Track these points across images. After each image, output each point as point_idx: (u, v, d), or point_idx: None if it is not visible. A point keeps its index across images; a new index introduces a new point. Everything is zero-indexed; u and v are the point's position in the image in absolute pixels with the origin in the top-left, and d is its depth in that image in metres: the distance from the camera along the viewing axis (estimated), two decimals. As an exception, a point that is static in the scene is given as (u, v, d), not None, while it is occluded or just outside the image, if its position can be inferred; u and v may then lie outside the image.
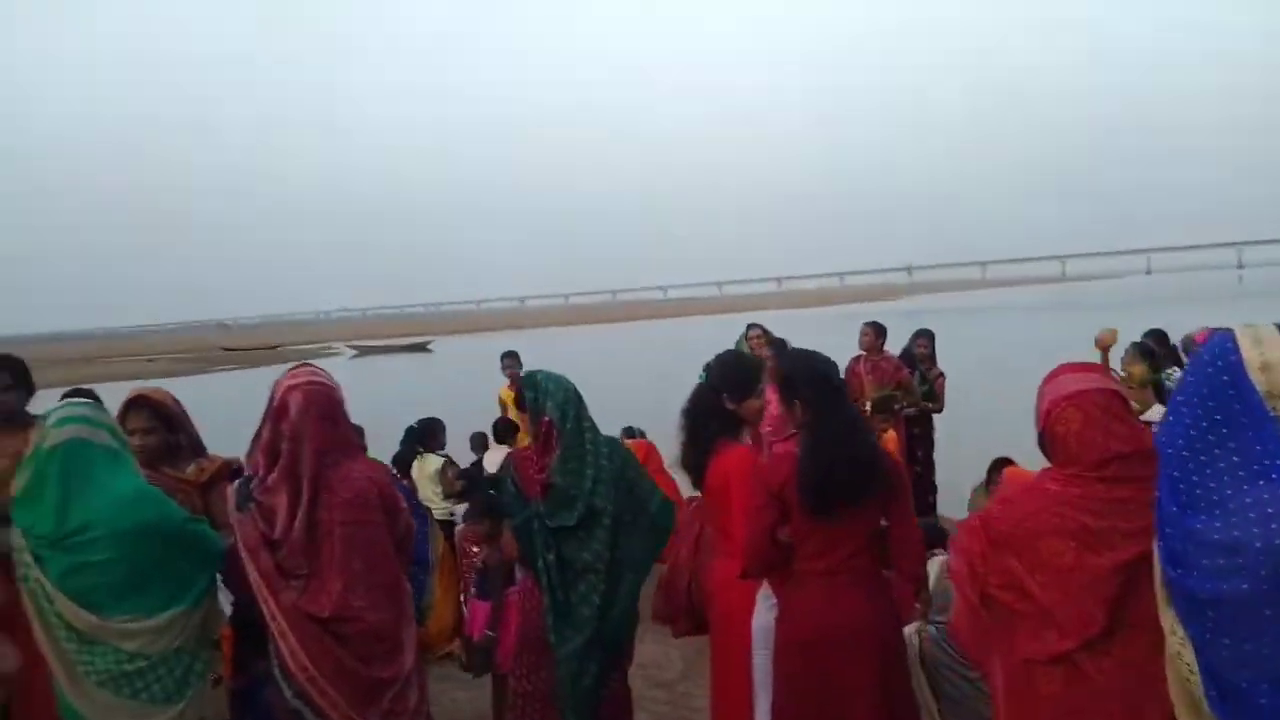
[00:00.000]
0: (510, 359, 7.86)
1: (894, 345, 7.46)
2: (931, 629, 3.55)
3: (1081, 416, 2.23)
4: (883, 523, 2.97)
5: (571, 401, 3.26)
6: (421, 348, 47.18)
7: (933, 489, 7.42)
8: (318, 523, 2.64)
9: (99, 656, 2.59)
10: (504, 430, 6.64)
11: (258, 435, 2.76)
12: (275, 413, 2.71)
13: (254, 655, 3.19)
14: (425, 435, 6.53)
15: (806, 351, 3.14)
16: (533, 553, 3.24)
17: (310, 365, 2.85)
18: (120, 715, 2.62)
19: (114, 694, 2.60)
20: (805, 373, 3.01)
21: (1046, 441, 2.32)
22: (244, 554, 2.67)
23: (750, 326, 7.20)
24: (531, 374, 3.34)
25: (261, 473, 2.70)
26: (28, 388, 3.82)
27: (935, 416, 7.48)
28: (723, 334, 7.60)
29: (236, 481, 2.78)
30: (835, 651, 2.86)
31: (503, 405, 7.75)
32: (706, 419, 3.30)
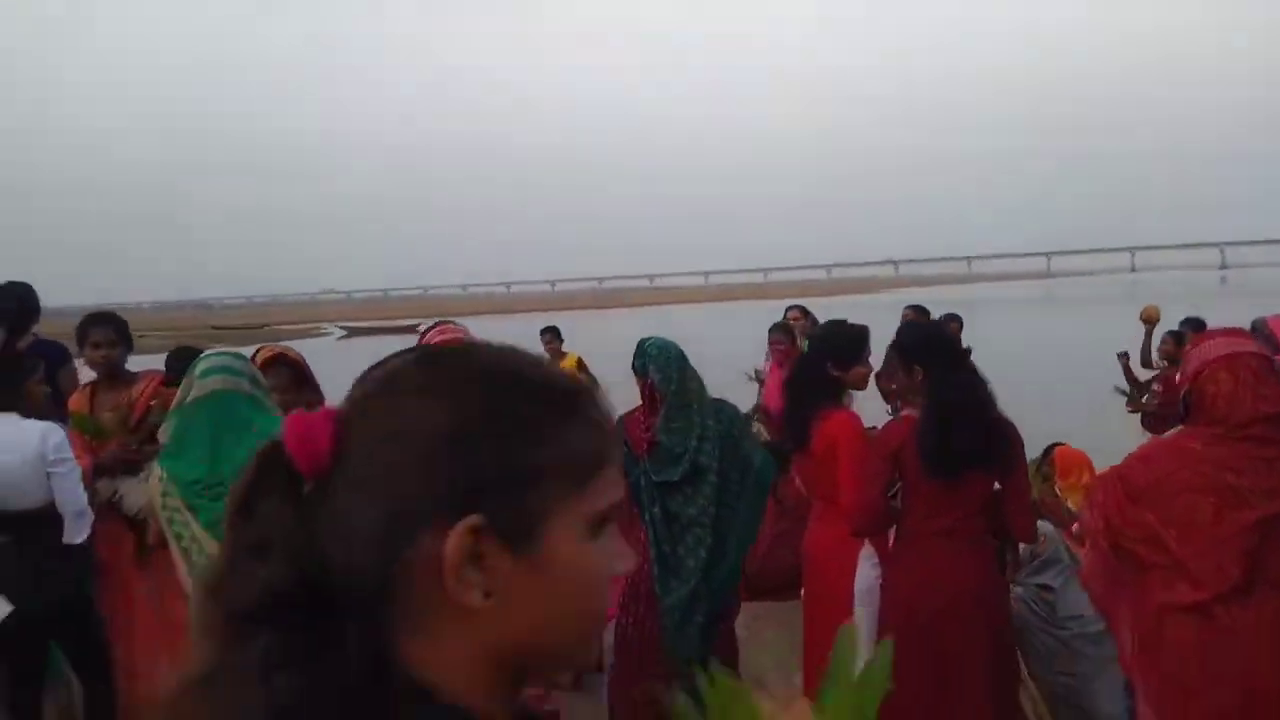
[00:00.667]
0: (549, 334, 7.94)
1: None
2: (1019, 589, 3.63)
3: (1232, 378, 2.31)
4: (995, 486, 3.03)
5: (674, 364, 3.33)
6: (412, 330, 46.91)
7: None
8: None
9: None
10: None
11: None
12: None
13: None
14: None
15: (925, 321, 3.22)
16: (641, 507, 3.32)
17: (451, 322, 2.87)
18: None
19: None
20: (923, 340, 3.10)
21: (1192, 400, 2.39)
22: None
23: (790, 308, 7.31)
24: (641, 341, 3.42)
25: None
26: (128, 344, 3.91)
27: None
28: (710, 322, 7.68)
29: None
30: (950, 612, 2.93)
31: None
32: (810, 385, 3.38)
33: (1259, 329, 5.04)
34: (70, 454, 3.23)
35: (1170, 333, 6.99)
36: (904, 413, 3.24)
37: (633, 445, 3.33)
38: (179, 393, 2.79)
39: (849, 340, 3.39)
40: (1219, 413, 2.33)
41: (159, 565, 2.70)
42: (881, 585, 3.18)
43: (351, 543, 0.62)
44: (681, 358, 3.35)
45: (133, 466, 3.79)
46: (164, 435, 2.77)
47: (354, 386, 0.67)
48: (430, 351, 0.75)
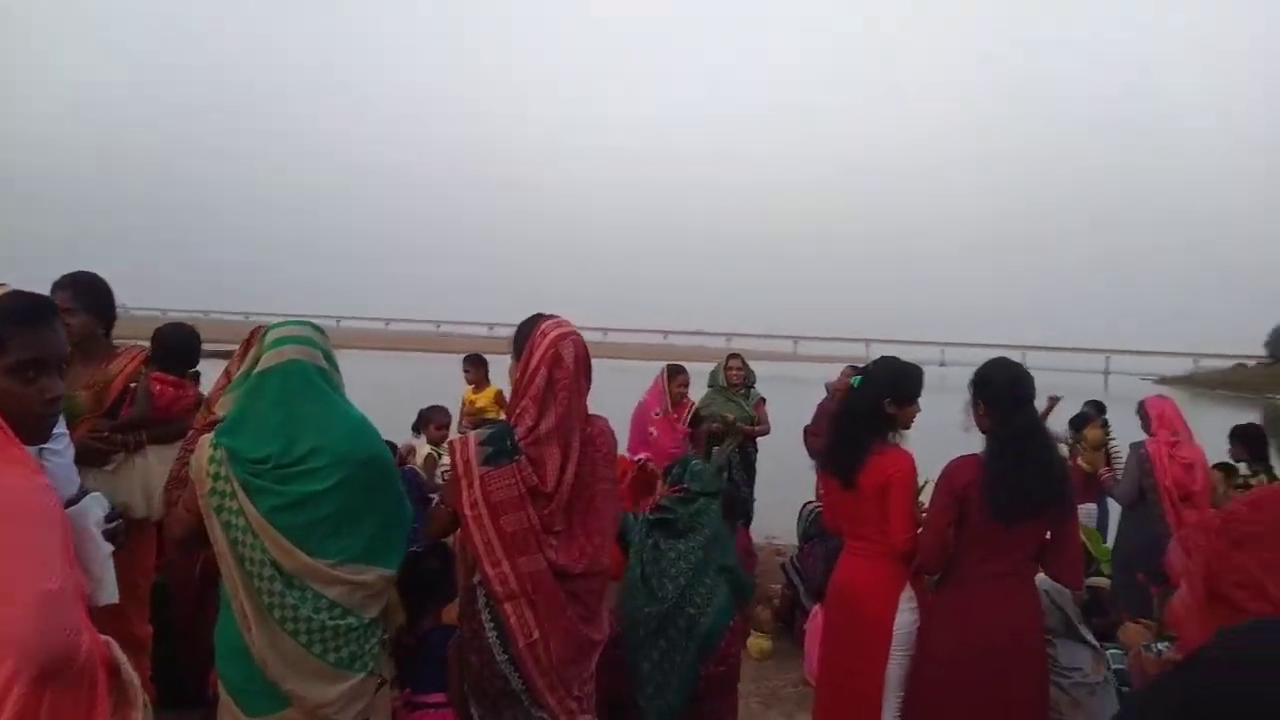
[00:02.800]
0: (471, 363, 7.70)
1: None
2: None
3: None
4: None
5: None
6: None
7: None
8: (581, 475, 2.54)
9: (302, 602, 2.33)
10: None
11: (523, 384, 2.56)
12: (549, 360, 2.53)
13: (422, 612, 3.00)
14: (420, 420, 6.52)
15: (1001, 359, 3.26)
16: (631, 538, 3.49)
17: (557, 316, 2.69)
18: (304, 671, 2.35)
19: (306, 647, 2.33)
20: (993, 380, 3.12)
21: None
22: (480, 513, 2.46)
23: (730, 357, 7.37)
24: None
25: (530, 422, 2.51)
26: (99, 312, 3.43)
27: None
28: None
29: (488, 431, 2.56)
30: (1002, 653, 2.95)
31: (467, 406, 7.63)
32: (866, 421, 3.36)
33: (1139, 411, 5.52)
34: (65, 428, 2.81)
35: (1088, 413, 7.48)
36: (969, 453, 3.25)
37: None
38: (244, 363, 2.48)
39: (909, 378, 3.38)
40: None
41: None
42: (919, 629, 3.19)
43: None
44: None
45: (100, 457, 3.36)
46: (223, 409, 2.45)
47: None
48: None
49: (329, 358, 2.52)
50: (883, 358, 3.56)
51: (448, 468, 4.57)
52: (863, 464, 3.29)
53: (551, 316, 2.64)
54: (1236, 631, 1.42)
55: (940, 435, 4.37)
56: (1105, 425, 7.24)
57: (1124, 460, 5.72)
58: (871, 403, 3.36)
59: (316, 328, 2.56)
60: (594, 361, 2.66)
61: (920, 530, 3.19)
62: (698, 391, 7.11)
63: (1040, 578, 3.17)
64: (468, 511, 2.48)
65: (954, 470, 3.08)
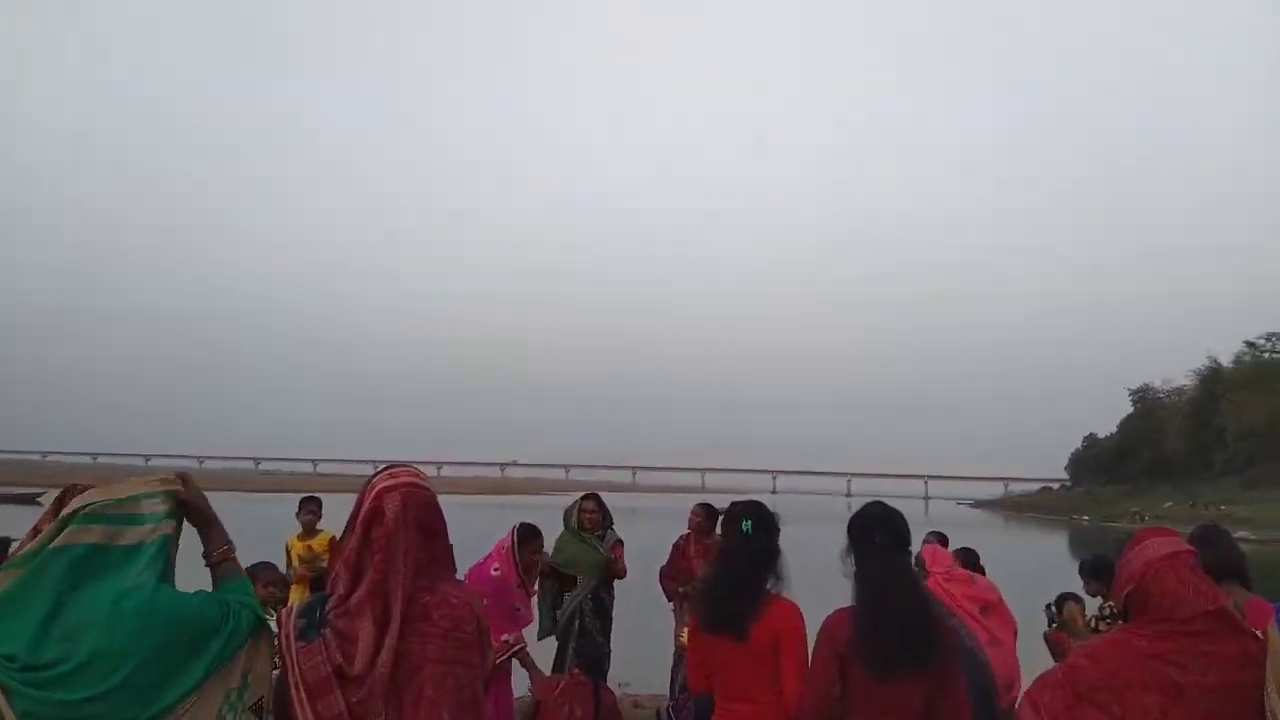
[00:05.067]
0: (310, 505, 7.25)
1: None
2: None
3: (1175, 576, 2.51)
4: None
5: None
6: (31, 499, 40.68)
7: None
8: (408, 655, 2.19)
9: None
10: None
11: (339, 545, 2.31)
12: (366, 517, 2.26)
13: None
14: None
15: (875, 504, 3.21)
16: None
17: (408, 466, 2.47)
18: None
19: None
20: (853, 525, 3.07)
21: (1138, 599, 2.57)
22: (300, 695, 2.19)
23: (585, 498, 7.18)
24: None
25: (343, 591, 2.23)
26: None
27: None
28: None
29: (300, 604, 2.29)
30: None
31: (287, 554, 7.10)
32: (753, 567, 3.25)
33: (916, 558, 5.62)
34: None
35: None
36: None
37: None
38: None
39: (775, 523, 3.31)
40: (1163, 610, 2.50)
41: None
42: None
43: None
44: None
45: None
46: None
47: None
48: None
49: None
50: (749, 501, 3.50)
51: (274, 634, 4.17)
52: (757, 615, 3.15)
53: (394, 465, 2.42)
54: None
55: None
56: (1079, 600, 6.96)
57: None
58: (759, 548, 3.26)
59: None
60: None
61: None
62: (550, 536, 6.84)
63: None
64: (291, 693, 2.19)
65: (833, 622, 2.99)
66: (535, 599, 6.00)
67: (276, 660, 2.30)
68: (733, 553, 3.35)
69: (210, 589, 2.35)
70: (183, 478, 2.37)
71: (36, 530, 2.27)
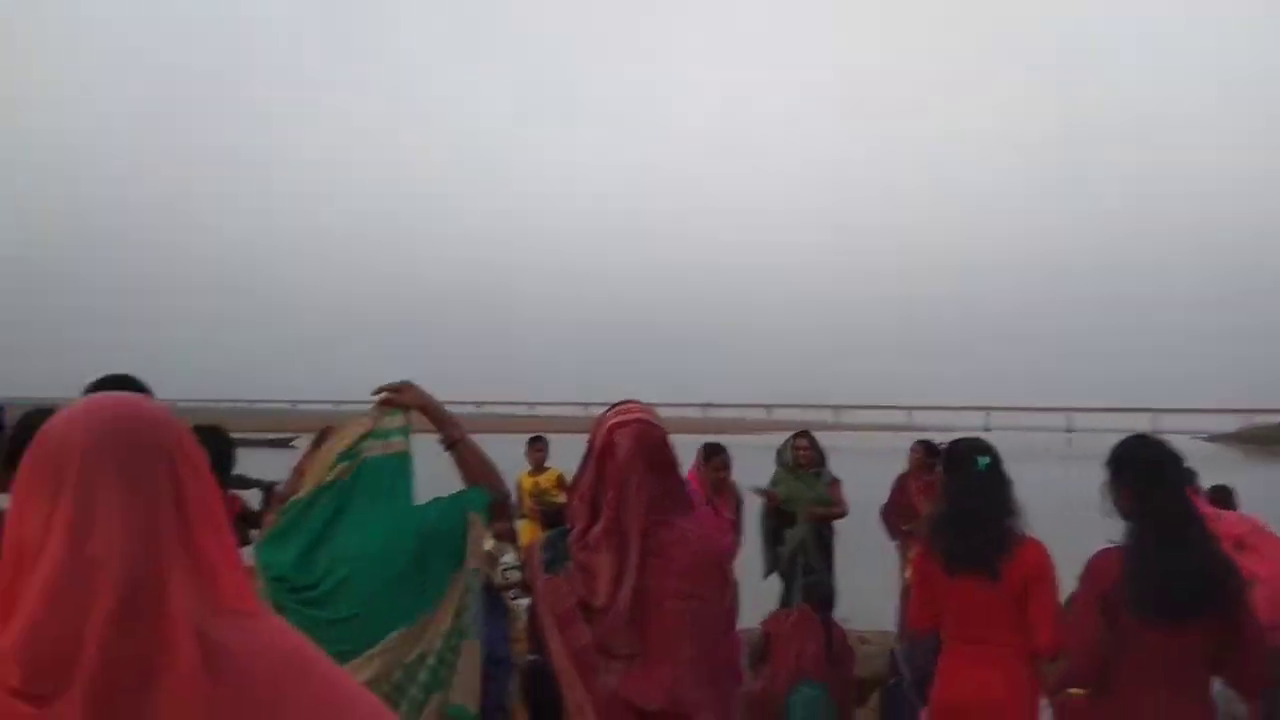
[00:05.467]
0: (537, 444, 7.63)
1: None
2: None
3: None
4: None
5: None
6: (285, 444, 44.95)
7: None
8: (647, 590, 2.22)
9: None
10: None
11: (576, 480, 2.37)
12: (599, 454, 2.28)
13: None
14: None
15: (1142, 435, 2.98)
16: None
17: (636, 402, 2.46)
18: None
19: None
20: (1136, 459, 2.82)
21: None
22: (550, 624, 2.25)
23: (798, 435, 7.13)
24: None
25: (582, 525, 2.27)
26: None
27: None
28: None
29: (545, 535, 2.37)
30: None
31: (518, 489, 7.41)
32: (997, 503, 3.12)
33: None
34: None
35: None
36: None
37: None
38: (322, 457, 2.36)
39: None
40: None
41: None
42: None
43: None
44: None
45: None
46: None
47: None
48: None
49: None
50: (974, 437, 3.33)
51: (508, 566, 4.33)
52: (1010, 555, 3.01)
53: (625, 403, 2.39)
54: None
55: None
56: None
57: None
58: (1000, 488, 3.11)
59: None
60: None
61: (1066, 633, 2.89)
62: (749, 472, 6.77)
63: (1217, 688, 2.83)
64: (544, 621, 2.28)
65: (1097, 565, 2.78)
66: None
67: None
68: (969, 490, 3.19)
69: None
70: (399, 388, 2.47)
71: (300, 471, 2.46)
